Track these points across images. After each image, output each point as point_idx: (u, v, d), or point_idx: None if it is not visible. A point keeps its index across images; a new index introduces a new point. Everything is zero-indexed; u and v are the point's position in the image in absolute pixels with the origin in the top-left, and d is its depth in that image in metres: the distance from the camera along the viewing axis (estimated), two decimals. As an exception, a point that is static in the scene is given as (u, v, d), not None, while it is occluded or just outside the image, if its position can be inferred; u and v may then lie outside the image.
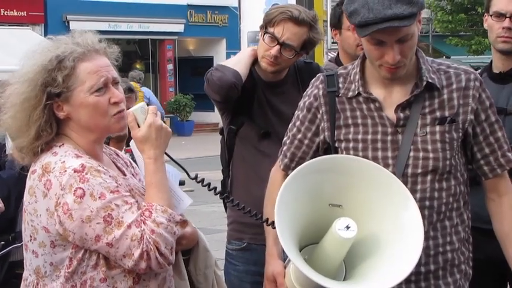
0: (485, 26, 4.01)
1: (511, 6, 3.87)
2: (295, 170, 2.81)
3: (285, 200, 2.71)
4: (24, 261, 2.76)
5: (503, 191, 3.02)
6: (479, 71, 3.95)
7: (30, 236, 2.66)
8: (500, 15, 3.90)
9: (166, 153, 2.76)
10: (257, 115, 3.95)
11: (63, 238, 2.59)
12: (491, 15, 3.94)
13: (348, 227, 2.65)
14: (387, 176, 2.81)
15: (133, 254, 2.55)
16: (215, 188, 2.93)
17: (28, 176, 2.69)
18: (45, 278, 2.65)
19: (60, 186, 2.55)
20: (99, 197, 2.55)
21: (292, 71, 4.03)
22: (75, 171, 2.56)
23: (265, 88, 3.97)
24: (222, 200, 4.17)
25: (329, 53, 19.34)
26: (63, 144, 2.67)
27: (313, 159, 2.90)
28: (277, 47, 3.83)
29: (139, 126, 2.71)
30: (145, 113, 2.73)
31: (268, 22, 3.87)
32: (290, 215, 2.72)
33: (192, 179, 2.90)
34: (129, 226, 2.55)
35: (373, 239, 2.78)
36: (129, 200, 2.61)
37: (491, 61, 4.02)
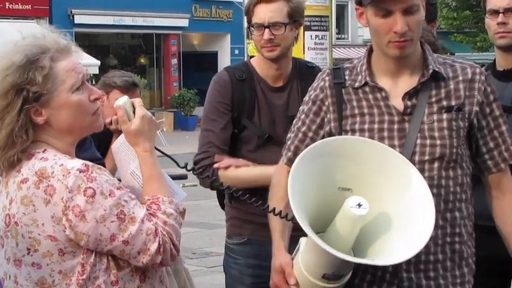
0: (486, 27, 4.08)
1: (504, 1, 3.96)
2: (304, 151, 2.81)
3: (297, 181, 2.70)
4: (11, 278, 2.57)
5: (506, 189, 3.02)
6: (483, 68, 3.97)
7: (28, 249, 2.50)
8: (494, 12, 3.99)
9: (155, 147, 2.68)
10: (260, 119, 3.92)
11: (73, 244, 2.48)
12: (486, 14, 4.02)
13: (359, 205, 2.66)
14: (396, 157, 2.82)
15: (149, 248, 2.49)
16: (214, 180, 2.91)
17: (16, 188, 2.52)
18: None
19: (67, 189, 2.44)
20: (109, 195, 2.47)
21: (294, 72, 4.01)
22: (80, 172, 2.46)
23: (268, 92, 3.94)
24: (219, 196, 4.18)
25: (333, 49, 19.28)
26: (45, 149, 2.55)
27: (322, 140, 2.92)
28: (266, 30, 3.82)
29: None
30: (131, 107, 2.66)
31: (248, 15, 3.89)
32: (302, 196, 2.72)
33: (182, 167, 2.83)
34: (142, 221, 2.49)
35: (383, 221, 2.79)
36: (132, 196, 2.54)
37: (495, 59, 4.06)
